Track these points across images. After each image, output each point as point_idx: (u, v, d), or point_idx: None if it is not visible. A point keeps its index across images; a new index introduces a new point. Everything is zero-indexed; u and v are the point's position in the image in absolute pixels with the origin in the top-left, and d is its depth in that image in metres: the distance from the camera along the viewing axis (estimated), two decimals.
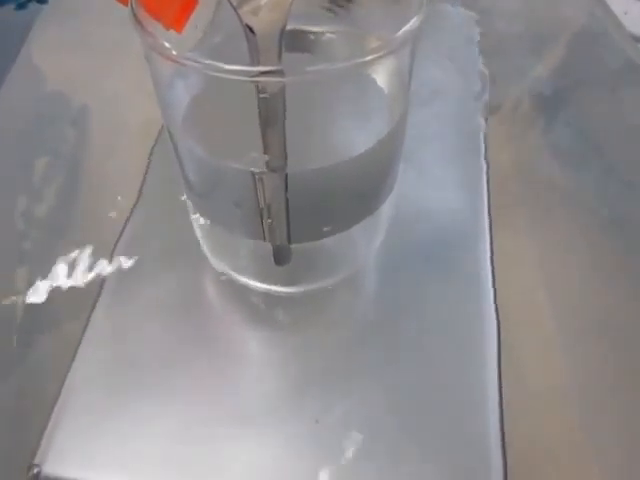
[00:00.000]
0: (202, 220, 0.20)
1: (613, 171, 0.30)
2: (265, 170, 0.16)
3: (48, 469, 0.18)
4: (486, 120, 0.27)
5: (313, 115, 0.18)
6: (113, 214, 0.24)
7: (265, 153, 0.16)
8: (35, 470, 0.18)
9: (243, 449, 0.18)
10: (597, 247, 0.29)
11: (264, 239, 0.19)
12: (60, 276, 0.25)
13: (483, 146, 0.26)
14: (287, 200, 0.17)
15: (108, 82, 0.31)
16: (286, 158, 0.16)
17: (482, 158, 0.26)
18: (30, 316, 0.25)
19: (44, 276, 0.26)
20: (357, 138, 0.18)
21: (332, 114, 0.18)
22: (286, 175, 0.17)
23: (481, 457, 0.18)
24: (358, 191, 0.18)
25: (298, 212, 0.18)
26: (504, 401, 0.20)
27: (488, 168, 0.25)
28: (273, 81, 0.14)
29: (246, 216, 0.18)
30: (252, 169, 0.16)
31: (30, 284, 0.26)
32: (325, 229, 0.18)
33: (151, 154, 0.25)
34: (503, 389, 0.21)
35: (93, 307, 0.21)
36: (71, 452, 0.19)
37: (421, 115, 0.26)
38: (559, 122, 0.30)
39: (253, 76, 0.14)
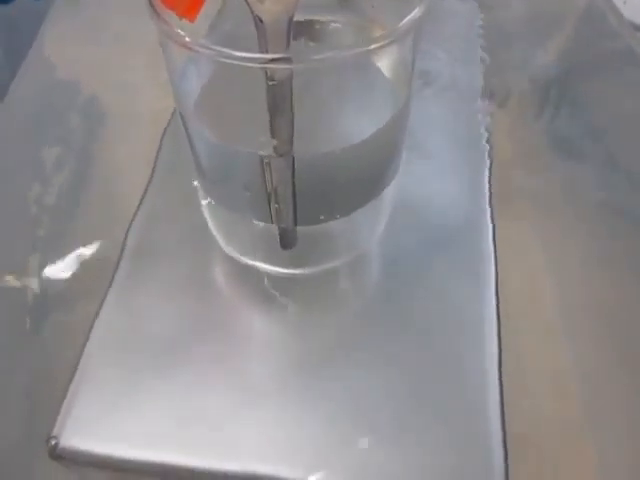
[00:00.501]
0: (212, 204, 0.21)
1: (613, 159, 0.31)
2: (273, 154, 0.17)
3: (65, 441, 0.19)
4: (488, 108, 0.28)
5: (319, 101, 0.18)
6: (124, 199, 0.25)
7: (273, 137, 0.17)
8: (53, 442, 0.19)
9: (249, 420, 0.19)
10: (598, 234, 0.29)
11: (272, 222, 0.19)
12: (73, 259, 0.26)
13: (485, 133, 0.27)
14: (294, 184, 0.18)
15: (119, 72, 0.31)
16: (293, 143, 0.17)
17: (484, 143, 0.26)
18: (43, 298, 0.26)
19: (58, 259, 0.27)
20: (362, 124, 0.18)
21: (338, 101, 0.19)
22: (293, 159, 0.17)
23: (482, 441, 0.19)
24: (363, 175, 0.19)
25: (304, 195, 0.18)
26: (504, 385, 0.21)
27: (490, 153, 0.26)
28: (281, 68, 0.15)
29: (255, 199, 0.19)
30: (260, 153, 0.17)
31: (44, 266, 0.27)
32: (331, 212, 0.19)
33: (162, 140, 0.26)
34: (504, 373, 0.21)
35: (108, 288, 0.22)
36: (87, 425, 0.19)
37: (423, 103, 0.27)
38: (560, 111, 0.31)
39: (262, 63, 0.15)
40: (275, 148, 0.17)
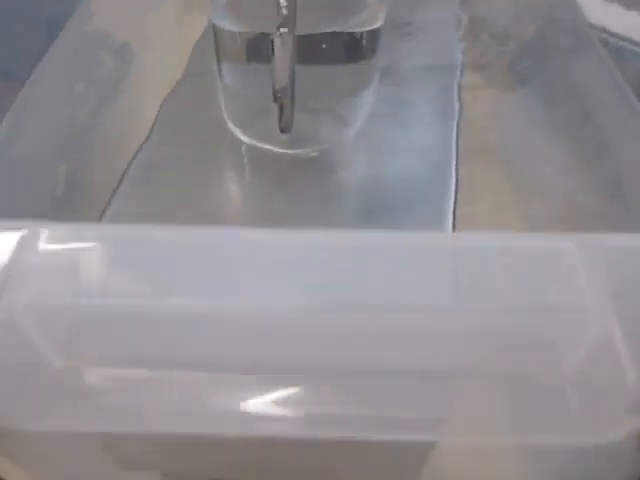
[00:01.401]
0: (227, 90, 0.26)
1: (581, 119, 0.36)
2: (279, 32, 0.23)
3: None
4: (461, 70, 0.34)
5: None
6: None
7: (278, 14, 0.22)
8: None
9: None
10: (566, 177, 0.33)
11: (275, 101, 0.25)
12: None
13: (456, 87, 0.32)
14: (293, 64, 0.23)
15: (150, 25, 0.38)
16: (295, 23, 0.23)
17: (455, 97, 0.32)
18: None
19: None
20: (345, 24, 0.24)
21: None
22: (295, 37, 0.23)
23: None
24: (345, 67, 0.25)
25: (301, 77, 0.24)
26: None
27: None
28: None
29: (263, 79, 0.24)
30: (270, 32, 0.23)
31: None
32: (322, 96, 0.25)
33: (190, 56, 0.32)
34: None
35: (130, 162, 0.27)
36: None
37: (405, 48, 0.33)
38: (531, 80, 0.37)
39: None
40: (281, 24, 0.23)
